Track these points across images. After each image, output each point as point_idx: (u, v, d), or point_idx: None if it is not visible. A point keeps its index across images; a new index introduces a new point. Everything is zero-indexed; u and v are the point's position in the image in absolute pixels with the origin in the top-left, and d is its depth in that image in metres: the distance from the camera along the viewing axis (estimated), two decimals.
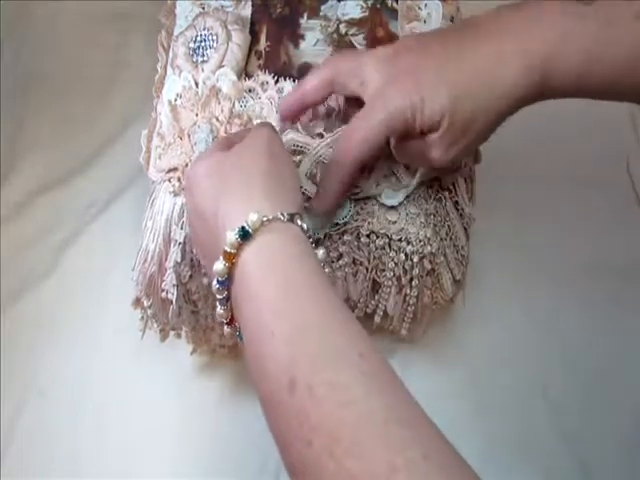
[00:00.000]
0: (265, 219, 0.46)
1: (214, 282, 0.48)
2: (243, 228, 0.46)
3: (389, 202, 0.61)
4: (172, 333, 0.73)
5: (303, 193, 0.59)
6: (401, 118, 0.54)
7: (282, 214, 0.47)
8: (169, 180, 0.60)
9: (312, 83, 0.59)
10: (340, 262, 0.64)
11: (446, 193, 0.64)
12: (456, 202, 0.66)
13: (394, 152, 0.59)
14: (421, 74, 0.54)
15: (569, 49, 0.52)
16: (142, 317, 0.69)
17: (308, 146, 0.60)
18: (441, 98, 0.53)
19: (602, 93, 0.55)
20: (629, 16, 0.52)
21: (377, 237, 0.63)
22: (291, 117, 0.62)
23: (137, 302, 0.68)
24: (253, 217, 0.46)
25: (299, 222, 0.48)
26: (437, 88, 0.53)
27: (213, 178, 0.51)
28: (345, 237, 0.63)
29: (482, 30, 0.55)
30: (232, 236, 0.46)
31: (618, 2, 0.53)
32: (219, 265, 0.47)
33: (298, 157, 0.59)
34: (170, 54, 0.67)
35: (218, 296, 0.49)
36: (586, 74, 0.53)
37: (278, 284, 0.45)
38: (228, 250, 0.46)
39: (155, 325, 0.70)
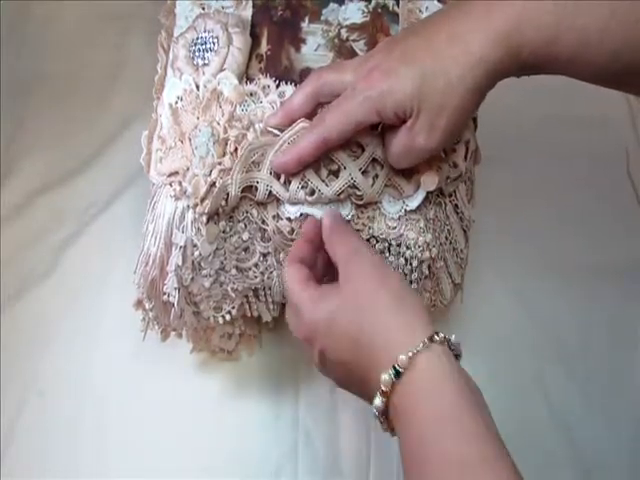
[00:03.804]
0: (411, 354, 0.49)
1: (373, 410, 0.51)
2: (394, 367, 0.49)
3: (390, 211, 0.62)
4: (173, 333, 0.73)
5: (270, 193, 0.60)
6: (372, 109, 0.55)
7: (424, 342, 0.49)
8: (170, 184, 0.60)
9: (298, 100, 0.60)
10: None
11: (446, 198, 0.64)
12: (456, 205, 0.65)
13: (389, 159, 0.59)
14: (387, 63, 0.55)
15: (537, 18, 0.52)
16: (144, 318, 0.69)
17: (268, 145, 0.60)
18: (407, 81, 0.54)
19: (573, 65, 0.54)
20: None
21: (377, 242, 0.63)
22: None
23: (139, 304, 0.68)
24: (402, 358, 0.49)
25: (437, 337, 0.50)
26: (403, 72, 0.54)
27: (341, 328, 0.53)
28: None
29: (446, 14, 0.56)
30: (386, 377, 0.49)
31: None
32: (377, 402, 0.50)
33: (259, 153, 0.60)
34: (170, 55, 0.66)
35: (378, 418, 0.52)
36: (555, 43, 0.52)
37: (434, 413, 0.48)
38: (384, 390, 0.50)
39: (156, 326, 0.69)
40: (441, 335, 0.50)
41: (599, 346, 0.83)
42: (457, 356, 0.52)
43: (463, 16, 0.54)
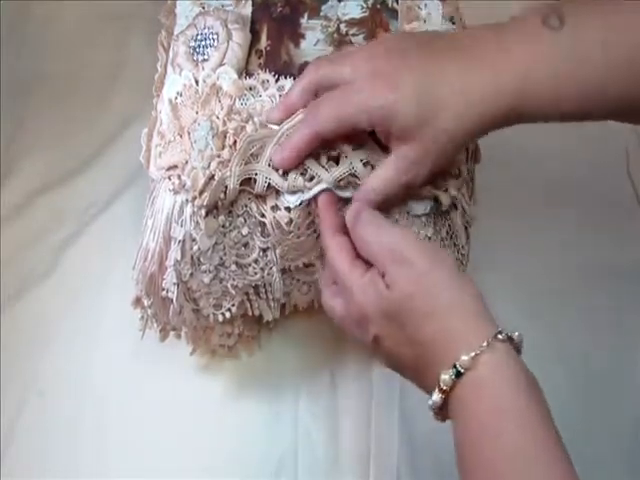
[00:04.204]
0: (474, 354, 0.48)
1: (430, 403, 0.51)
2: (455, 367, 0.48)
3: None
4: (172, 333, 0.73)
5: (269, 185, 0.60)
6: (367, 118, 0.55)
7: (488, 342, 0.49)
8: (169, 178, 0.60)
9: (296, 93, 0.60)
10: None
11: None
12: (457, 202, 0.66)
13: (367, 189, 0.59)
14: (398, 82, 0.55)
15: (539, 78, 0.54)
16: (142, 317, 0.69)
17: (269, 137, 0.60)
18: (412, 115, 0.54)
19: (572, 115, 0.57)
20: (598, 40, 0.54)
21: None
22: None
23: (137, 302, 0.68)
24: (464, 358, 0.48)
25: (501, 336, 0.49)
26: (411, 104, 0.54)
27: (397, 322, 0.52)
28: None
29: (459, 50, 0.56)
30: (447, 377, 0.49)
31: (588, 24, 0.55)
32: (435, 398, 0.50)
33: (258, 146, 0.60)
34: (170, 53, 0.67)
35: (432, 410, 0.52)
36: (556, 99, 0.55)
37: (494, 408, 0.48)
38: (444, 388, 0.49)
39: (155, 325, 0.69)
40: (504, 333, 0.50)
41: (599, 346, 0.83)
42: (518, 350, 0.51)
43: (472, 62, 0.55)
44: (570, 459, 0.47)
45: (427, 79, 0.55)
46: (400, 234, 0.54)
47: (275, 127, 0.60)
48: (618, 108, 0.57)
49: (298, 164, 0.59)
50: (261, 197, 0.61)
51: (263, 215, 0.61)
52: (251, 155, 0.59)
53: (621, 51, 0.54)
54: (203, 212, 0.59)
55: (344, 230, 0.57)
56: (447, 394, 0.49)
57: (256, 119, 0.60)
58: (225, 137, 0.59)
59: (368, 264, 0.55)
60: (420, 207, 0.62)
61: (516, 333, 0.51)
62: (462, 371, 0.48)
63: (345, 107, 0.56)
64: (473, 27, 0.59)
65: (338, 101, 0.56)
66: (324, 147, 0.59)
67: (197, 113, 0.61)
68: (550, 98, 0.55)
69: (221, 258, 0.62)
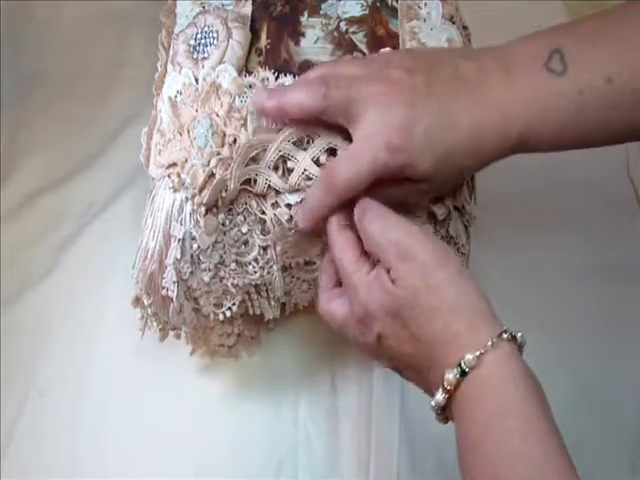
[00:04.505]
0: (479, 353, 0.48)
1: (433, 403, 0.51)
2: (460, 365, 0.49)
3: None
4: (171, 333, 0.73)
5: (269, 186, 0.60)
6: (386, 173, 0.55)
7: (492, 341, 0.49)
8: (169, 176, 0.60)
9: (298, 107, 0.58)
10: None
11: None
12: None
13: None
14: (413, 132, 0.55)
15: (542, 124, 0.56)
16: (142, 316, 0.69)
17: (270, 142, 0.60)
18: (429, 164, 0.55)
19: (575, 148, 0.59)
20: (601, 80, 0.55)
21: None
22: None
23: (137, 301, 0.68)
24: (469, 357, 0.48)
25: (505, 335, 0.50)
26: (428, 154, 0.55)
27: (400, 321, 0.53)
28: None
29: (468, 89, 0.57)
30: (451, 377, 0.49)
31: (590, 65, 0.56)
32: (439, 398, 0.50)
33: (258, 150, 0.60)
34: (170, 52, 0.67)
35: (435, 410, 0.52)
36: (558, 139, 0.58)
37: (498, 410, 0.48)
38: (448, 387, 0.49)
39: (155, 324, 0.69)
40: (509, 333, 0.50)
41: (599, 346, 0.83)
42: (520, 348, 0.51)
43: (480, 101, 0.56)
44: (573, 466, 0.47)
45: (441, 125, 0.55)
46: (406, 230, 0.54)
47: (272, 134, 0.60)
48: (619, 139, 0.59)
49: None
50: (261, 195, 0.61)
51: (263, 212, 0.61)
52: (251, 159, 0.59)
53: (625, 80, 0.55)
54: (203, 210, 0.59)
55: (351, 225, 0.58)
56: (451, 394, 0.49)
57: (255, 118, 0.60)
58: (225, 135, 0.59)
59: (374, 263, 0.55)
60: (418, 221, 0.63)
61: (519, 333, 0.51)
62: (467, 370, 0.48)
63: (362, 170, 0.55)
64: (478, 52, 0.60)
65: (354, 165, 0.56)
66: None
67: (197, 111, 0.61)
68: (551, 140, 0.57)
69: (221, 256, 0.62)
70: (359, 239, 0.56)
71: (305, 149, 0.60)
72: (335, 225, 0.58)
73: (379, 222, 0.55)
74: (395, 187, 0.58)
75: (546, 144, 0.58)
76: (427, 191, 0.59)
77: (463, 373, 0.48)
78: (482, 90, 0.57)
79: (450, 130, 0.55)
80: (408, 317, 0.52)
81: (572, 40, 0.57)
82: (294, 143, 0.60)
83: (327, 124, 0.59)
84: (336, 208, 0.58)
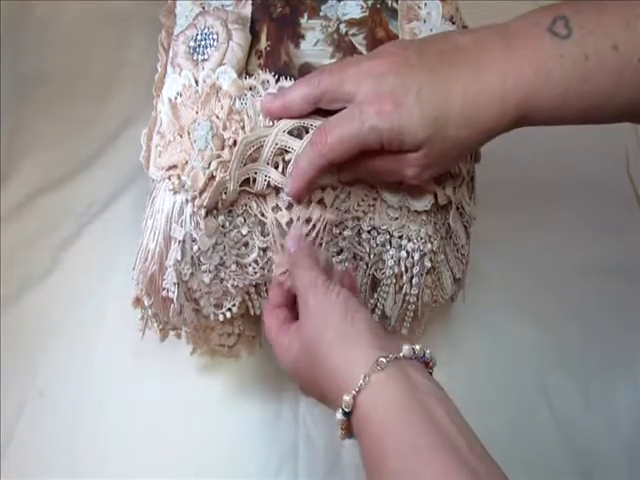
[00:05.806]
0: (354, 392, 0.50)
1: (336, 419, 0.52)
2: (342, 410, 0.50)
3: (390, 200, 0.62)
4: (172, 333, 0.73)
5: (268, 183, 0.60)
6: (377, 139, 0.55)
7: (363, 377, 0.49)
8: (169, 178, 0.60)
9: (297, 102, 0.59)
10: (340, 257, 0.64)
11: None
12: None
13: (364, 172, 0.60)
14: (403, 98, 0.55)
15: (546, 89, 0.54)
16: (142, 316, 0.69)
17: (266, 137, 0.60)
18: (420, 130, 0.55)
19: (579, 121, 0.57)
20: (607, 46, 0.54)
21: (378, 233, 0.63)
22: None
23: (137, 301, 0.68)
24: (346, 399, 0.50)
25: (384, 359, 0.50)
26: (418, 119, 0.54)
27: (302, 375, 0.57)
28: (345, 232, 0.63)
29: (464, 57, 0.56)
30: (339, 417, 0.51)
31: (595, 30, 0.54)
32: (339, 434, 0.53)
33: (255, 147, 0.60)
34: (170, 53, 0.67)
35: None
36: (563, 108, 0.55)
37: (377, 443, 0.49)
38: (341, 426, 0.52)
39: (155, 325, 0.69)
40: (389, 357, 0.50)
41: (599, 346, 0.83)
42: (427, 363, 0.53)
43: (478, 70, 0.55)
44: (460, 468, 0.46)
45: (433, 92, 0.55)
46: (309, 277, 0.57)
47: (268, 128, 0.60)
48: (624, 113, 0.57)
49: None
50: (261, 196, 0.61)
51: (263, 214, 0.61)
52: (249, 156, 0.59)
53: (631, 49, 0.53)
54: (203, 212, 0.59)
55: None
56: (345, 431, 0.52)
57: (253, 118, 0.60)
58: (225, 137, 0.59)
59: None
60: (420, 204, 0.62)
61: (404, 347, 0.51)
62: (348, 411, 0.50)
63: (353, 131, 0.55)
64: (476, 29, 0.59)
65: (345, 126, 0.56)
66: None
67: (197, 113, 0.61)
68: (555, 108, 0.55)
69: (221, 258, 0.62)
70: (286, 313, 0.60)
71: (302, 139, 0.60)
72: (266, 309, 0.61)
73: (298, 267, 0.59)
74: (390, 158, 0.57)
75: (550, 112, 0.56)
76: (424, 165, 0.57)
77: (347, 414, 0.50)
78: (480, 55, 0.56)
79: (442, 97, 0.55)
80: (304, 365, 0.55)
81: (577, 10, 0.55)
82: (290, 133, 0.60)
83: (324, 113, 0.59)
84: (326, 170, 0.58)
